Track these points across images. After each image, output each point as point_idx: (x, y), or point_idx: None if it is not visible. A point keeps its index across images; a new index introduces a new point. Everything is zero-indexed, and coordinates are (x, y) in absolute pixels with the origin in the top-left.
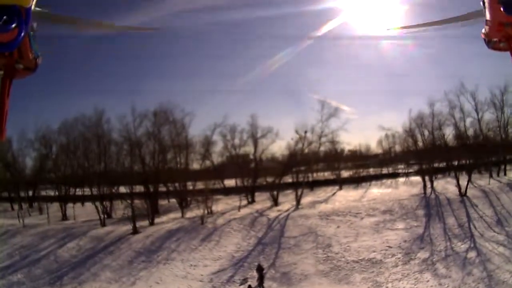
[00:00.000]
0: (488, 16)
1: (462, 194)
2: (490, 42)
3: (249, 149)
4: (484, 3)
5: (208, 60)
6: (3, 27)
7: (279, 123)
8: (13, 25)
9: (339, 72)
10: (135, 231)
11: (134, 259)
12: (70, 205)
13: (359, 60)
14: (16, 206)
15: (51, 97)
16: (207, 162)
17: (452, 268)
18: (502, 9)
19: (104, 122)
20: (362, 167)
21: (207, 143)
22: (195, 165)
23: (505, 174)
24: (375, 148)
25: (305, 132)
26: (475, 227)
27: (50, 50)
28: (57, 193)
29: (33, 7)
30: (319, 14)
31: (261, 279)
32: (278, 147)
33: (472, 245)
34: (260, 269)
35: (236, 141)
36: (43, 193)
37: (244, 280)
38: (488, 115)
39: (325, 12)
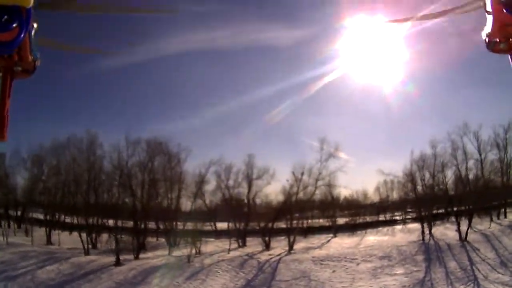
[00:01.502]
0: (489, 17)
1: (463, 239)
2: (490, 44)
3: (243, 190)
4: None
5: (208, 102)
6: (4, 26)
7: (276, 164)
8: (14, 25)
9: (338, 120)
10: (118, 262)
11: None
12: (57, 232)
13: (359, 109)
14: (4, 224)
15: (48, 115)
16: (199, 202)
17: None
18: (504, 9)
19: (97, 146)
20: (358, 214)
21: (200, 182)
22: (187, 203)
23: (505, 217)
24: (372, 195)
25: (302, 173)
26: (478, 270)
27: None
28: (46, 217)
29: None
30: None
31: None
32: (273, 189)
33: (475, 287)
34: None
35: (230, 182)
36: (33, 215)
37: None
38: (491, 156)
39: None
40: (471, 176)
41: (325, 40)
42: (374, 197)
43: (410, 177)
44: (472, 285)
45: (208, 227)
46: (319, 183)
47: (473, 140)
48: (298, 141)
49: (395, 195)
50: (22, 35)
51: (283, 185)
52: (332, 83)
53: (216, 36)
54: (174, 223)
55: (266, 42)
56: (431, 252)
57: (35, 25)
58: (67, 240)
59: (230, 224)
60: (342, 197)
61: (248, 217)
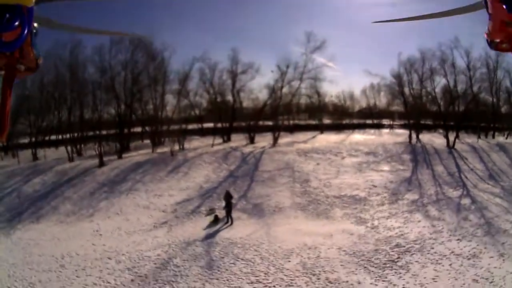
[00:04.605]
0: (489, 16)
1: (450, 147)
2: (492, 43)
3: (227, 87)
4: (486, 2)
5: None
6: (7, 25)
7: (261, 60)
8: (16, 23)
9: (331, 28)
10: (102, 164)
11: (96, 191)
12: (44, 149)
13: (350, 18)
14: None
15: None
16: (184, 101)
17: (445, 211)
18: (504, 7)
19: (80, 50)
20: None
21: (184, 79)
22: (172, 102)
23: (493, 137)
24: (359, 97)
25: (287, 66)
26: (466, 178)
27: None
28: (31, 139)
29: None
30: None
31: (229, 207)
32: (258, 84)
33: (465, 193)
34: (228, 197)
35: (215, 79)
36: (20, 138)
37: (211, 211)
38: (481, 75)
39: None
40: (459, 89)
41: None
42: (361, 100)
43: (398, 79)
44: (461, 190)
45: (193, 125)
46: (305, 76)
47: (463, 55)
48: (285, 43)
49: (382, 100)
50: (24, 35)
51: (268, 82)
52: None
53: None
54: (159, 124)
55: None
56: (417, 154)
57: (36, 24)
58: (53, 154)
59: (216, 125)
60: (328, 101)
61: (233, 113)
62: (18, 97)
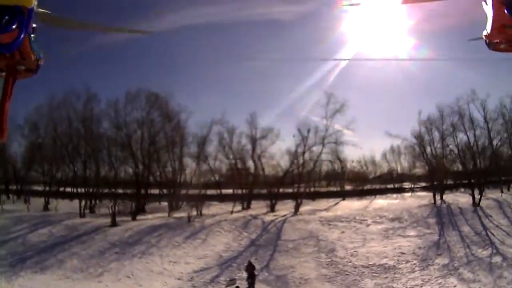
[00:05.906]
0: (490, 17)
1: (476, 204)
2: (491, 44)
3: (247, 153)
4: (486, 3)
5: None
6: (5, 26)
7: (280, 123)
8: (14, 26)
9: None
10: (114, 223)
11: (106, 251)
12: (57, 200)
13: (367, 83)
14: (2, 196)
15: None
16: (203, 166)
17: (479, 272)
18: (505, 11)
19: (95, 104)
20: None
21: (203, 143)
22: (191, 166)
23: None
24: (380, 161)
25: (308, 131)
26: (493, 235)
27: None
28: (45, 188)
29: (35, 8)
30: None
31: (252, 278)
32: (278, 149)
33: (494, 251)
34: (251, 267)
35: (234, 144)
36: (33, 187)
37: (231, 281)
38: (497, 126)
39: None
40: (480, 143)
41: (328, 19)
42: (382, 164)
43: (419, 139)
44: (490, 249)
45: (212, 191)
46: (326, 141)
47: (479, 108)
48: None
49: (403, 162)
50: (22, 36)
51: (288, 148)
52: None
53: (221, 11)
54: (177, 188)
55: (270, 16)
56: (443, 216)
57: (34, 25)
58: (66, 207)
59: (235, 191)
60: (349, 167)
61: (253, 179)
62: (30, 143)
